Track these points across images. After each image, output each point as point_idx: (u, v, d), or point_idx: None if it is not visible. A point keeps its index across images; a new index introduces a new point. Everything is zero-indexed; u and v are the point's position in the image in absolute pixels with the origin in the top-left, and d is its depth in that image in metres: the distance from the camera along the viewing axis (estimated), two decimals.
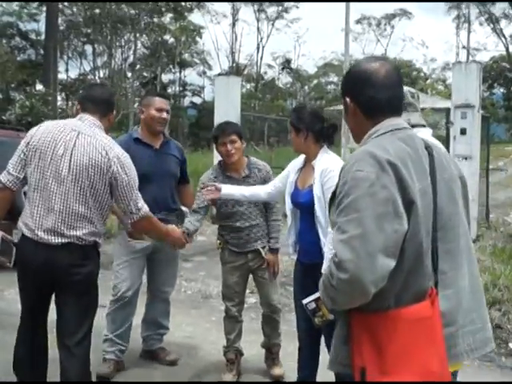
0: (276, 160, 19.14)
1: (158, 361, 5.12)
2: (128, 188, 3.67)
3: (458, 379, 2.53)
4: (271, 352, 5.08)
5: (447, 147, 10.40)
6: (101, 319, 6.31)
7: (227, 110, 13.16)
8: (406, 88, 3.13)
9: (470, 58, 40.96)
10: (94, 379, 4.72)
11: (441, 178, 2.19)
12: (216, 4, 57.68)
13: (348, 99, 2.31)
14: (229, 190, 4.47)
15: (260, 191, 4.51)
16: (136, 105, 50.38)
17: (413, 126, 3.00)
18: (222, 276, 5.03)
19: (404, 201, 2.02)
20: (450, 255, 2.17)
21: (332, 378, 2.80)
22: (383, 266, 1.97)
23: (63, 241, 3.56)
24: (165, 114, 4.97)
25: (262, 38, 59.93)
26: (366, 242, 1.96)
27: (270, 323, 4.98)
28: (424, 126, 3.29)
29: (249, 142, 19.83)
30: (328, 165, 3.92)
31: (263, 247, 4.87)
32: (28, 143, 3.69)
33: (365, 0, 47.19)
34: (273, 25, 60.31)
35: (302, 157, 4.23)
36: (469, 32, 47.62)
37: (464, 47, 54.21)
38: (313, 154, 4.08)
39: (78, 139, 3.61)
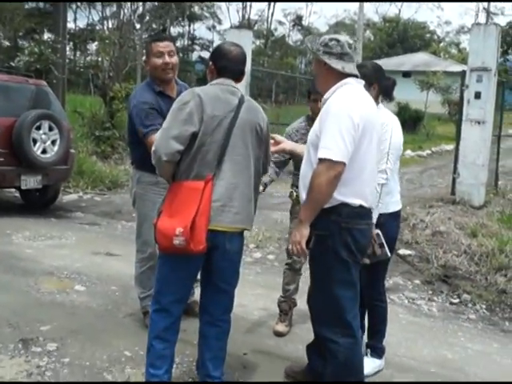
0: (283, 117, 19.03)
1: (193, 314, 4.82)
2: None
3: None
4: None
5: (460, 111, 10.28)
6: (110, 269, 6.35)
7: None
8: (344, 38, 3.53)
9: (489, 21, 40.05)
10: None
11: (241, 117, 3.43)
12: None
13: (211, 63, 3.58)
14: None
15: None
16: (144, 57, 49.96)
17: (347, 75, 3.44)
18: (290, 227, 4.96)
19: (199, 117, 3.31)
20: (231, 162, 3.40)
21: None
22: (173, 146, 3.30)
23: None
24: (166, 58, 4.49)
25: None
26: (167, 131, 3.34)
27: None
28: (357, 76, 3.51)
29: (256, 98, 19.65)
30: (385, 119, 3.97)
31: None
32: None
33: None
34: None
35: None
36: None
37: (484, 9, 52.98)
38: None
39: None
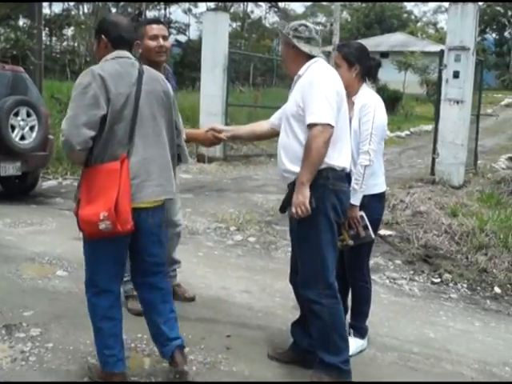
0: (262, 100, 19.00)
1: (176, 298, 4.77)
2: None
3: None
4: None
5: (439, 91, 10.31)
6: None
7: (215, 47, 12.99)
8: (312, 25, 3.80)
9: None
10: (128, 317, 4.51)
11: (144, 89, 3.38)
12: None
13: (103, 36, 3.48)
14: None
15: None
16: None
17: (313, 57, 3.69)
18: None
19: (105, 98, 3.23)
20: (142, 136, 3.36)
21: None
22: (85, 133, 3.20)
23: None
24: (161, 41, 4.53)
25: None
26: (74, 119, 3.21)
27: None
28: (322, 57, 3.77)
29: (234, 81, 19.55)
30: (367, 100, 4.08)
31: None
32: None
33: None
34: None
35: None
36: None
37: None
38: (356, 89, 4.16)
39: None
